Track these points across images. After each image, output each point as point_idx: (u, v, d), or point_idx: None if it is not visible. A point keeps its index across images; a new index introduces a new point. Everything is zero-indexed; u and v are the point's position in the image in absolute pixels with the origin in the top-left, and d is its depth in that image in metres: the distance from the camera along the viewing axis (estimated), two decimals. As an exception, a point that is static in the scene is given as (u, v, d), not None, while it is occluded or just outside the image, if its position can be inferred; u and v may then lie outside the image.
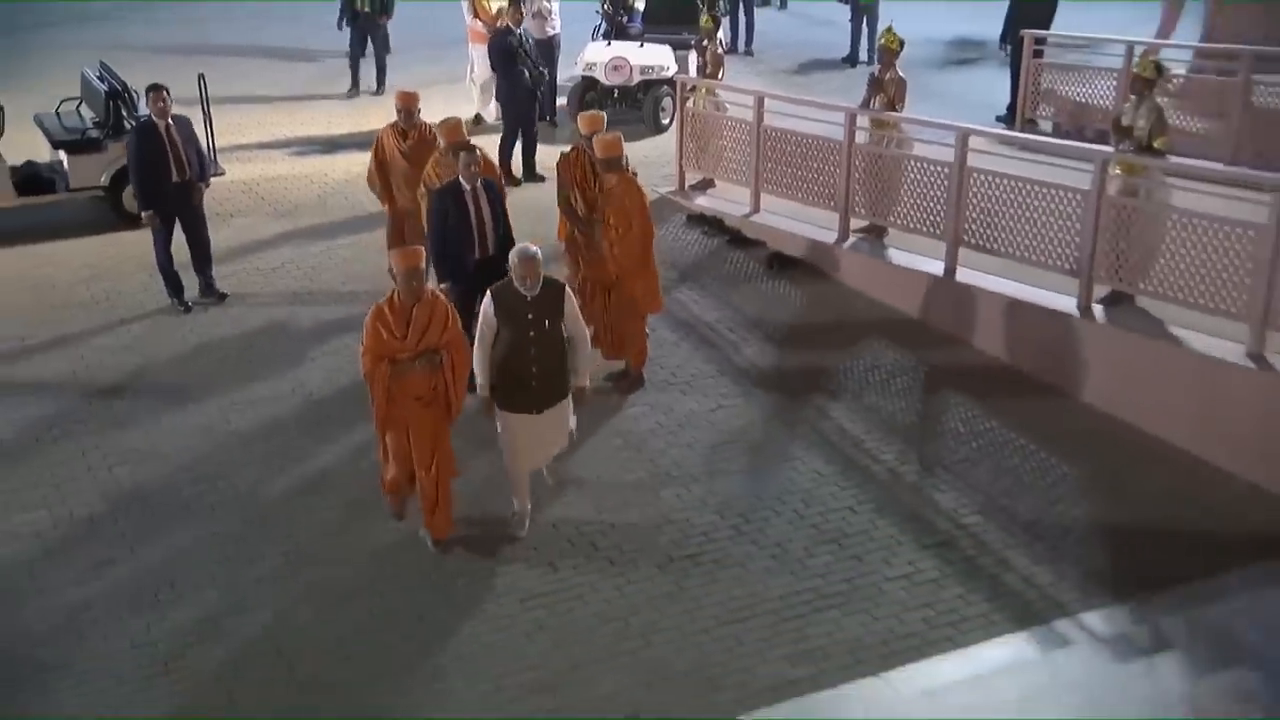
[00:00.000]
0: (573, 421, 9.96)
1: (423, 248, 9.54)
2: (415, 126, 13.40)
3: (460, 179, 11.19)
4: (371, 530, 10.39)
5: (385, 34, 22.33)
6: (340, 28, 21.39)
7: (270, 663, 9.17)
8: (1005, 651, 8.86)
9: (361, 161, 17.57)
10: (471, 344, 9.43)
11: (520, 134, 18.44)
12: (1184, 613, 9.28)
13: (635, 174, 12.39)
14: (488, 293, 9.31)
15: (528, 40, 18.76)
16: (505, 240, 11.16)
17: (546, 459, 10.02)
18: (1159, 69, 13.66)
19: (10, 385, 12.91)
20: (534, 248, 9.18)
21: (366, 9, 20.97)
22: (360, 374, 9.58)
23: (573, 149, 12.70)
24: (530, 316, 9.06)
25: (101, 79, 16.82)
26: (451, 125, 12.14)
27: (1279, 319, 11.05)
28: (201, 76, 15.77)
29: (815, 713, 8.37)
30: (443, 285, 11.13)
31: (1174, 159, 13.13)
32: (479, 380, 9.50)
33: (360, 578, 9.94)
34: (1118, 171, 12.43)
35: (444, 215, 11.17)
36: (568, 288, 9.69)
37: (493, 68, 18.94)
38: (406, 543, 10.24)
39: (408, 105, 13.45)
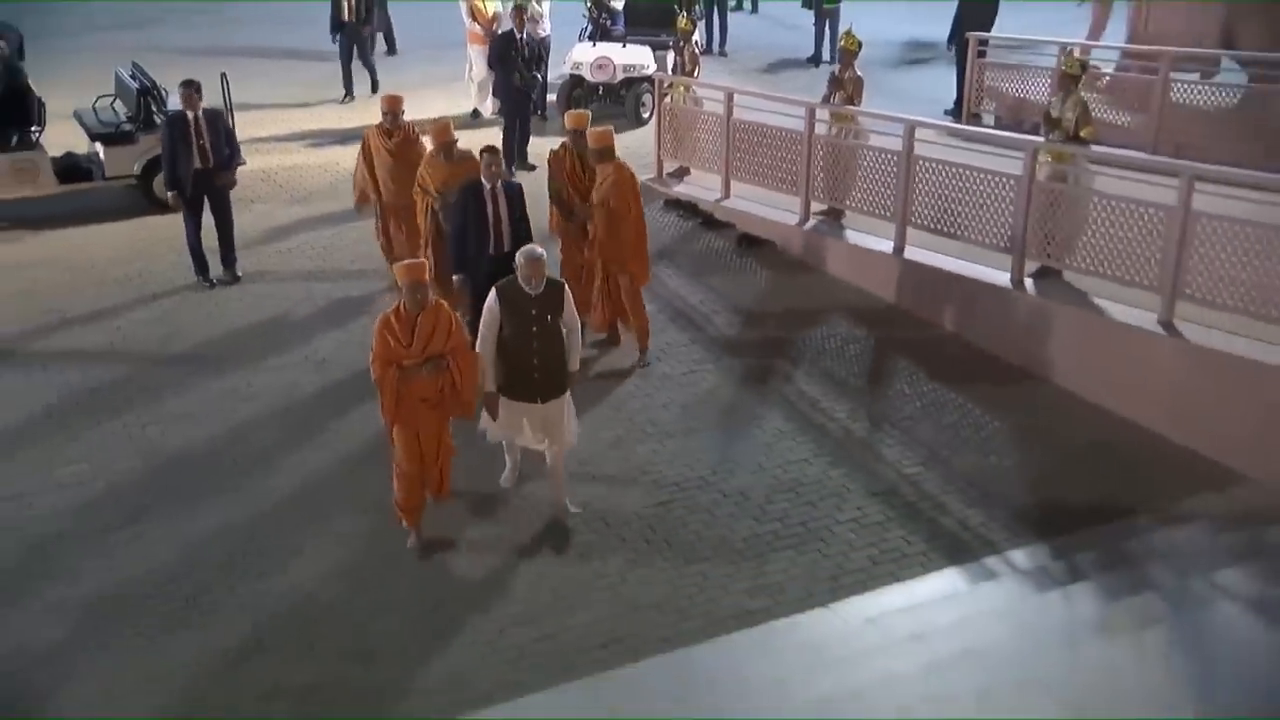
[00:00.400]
0: (574, 423, 9.77)
1: (425, 261, 9.34)
2: (399, 127, 13.30)
3: (482, 178, 11.00)
4: (375, 483, 10.33)
5: (368, 41, 22.25)
6: (333, 39, 21.34)
7: (286, 593, 9.30)
8: (941, 584, 9.06)
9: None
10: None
11: (516, 126, 18.44)
12: (1098, 549, 9.50)
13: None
14: (493, 289, 9.20)
15: (530, 44, 18.69)
16: (524, 240, 10.83)
17: (539, 445, 9.68)
18: (1083, 66, 13.73)
19: (53, 355, 12.96)
20: (540, 250, 9.08)
21: (352, 19, 20.92)
22: (369, 357, 9.33)
23: (561, 146, 12.66)
24: (534, 312, 8.96)
25: (134, 78, 16.80)
26: (441, 126, 12.06)
27: (1186, 290, 11.18)
28: (224, 75, 15.86)
29: (772, 639, 8.46)
30: (456, 277, 11.16)
31: (1098, 148, 13.22)
32: (484, 377, 9.39)
33: (368, 524, 10.01)
34: (1047, 159, 12.50)
35: (464, 211, 11.03)
36: (567, 286, 9.54)
37: (491, 67, 18.93)
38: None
39: (392, 108, 13.36)
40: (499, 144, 15.12)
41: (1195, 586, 9.07)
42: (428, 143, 12.60)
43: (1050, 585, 9.06)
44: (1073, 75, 13.27)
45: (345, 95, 21.54)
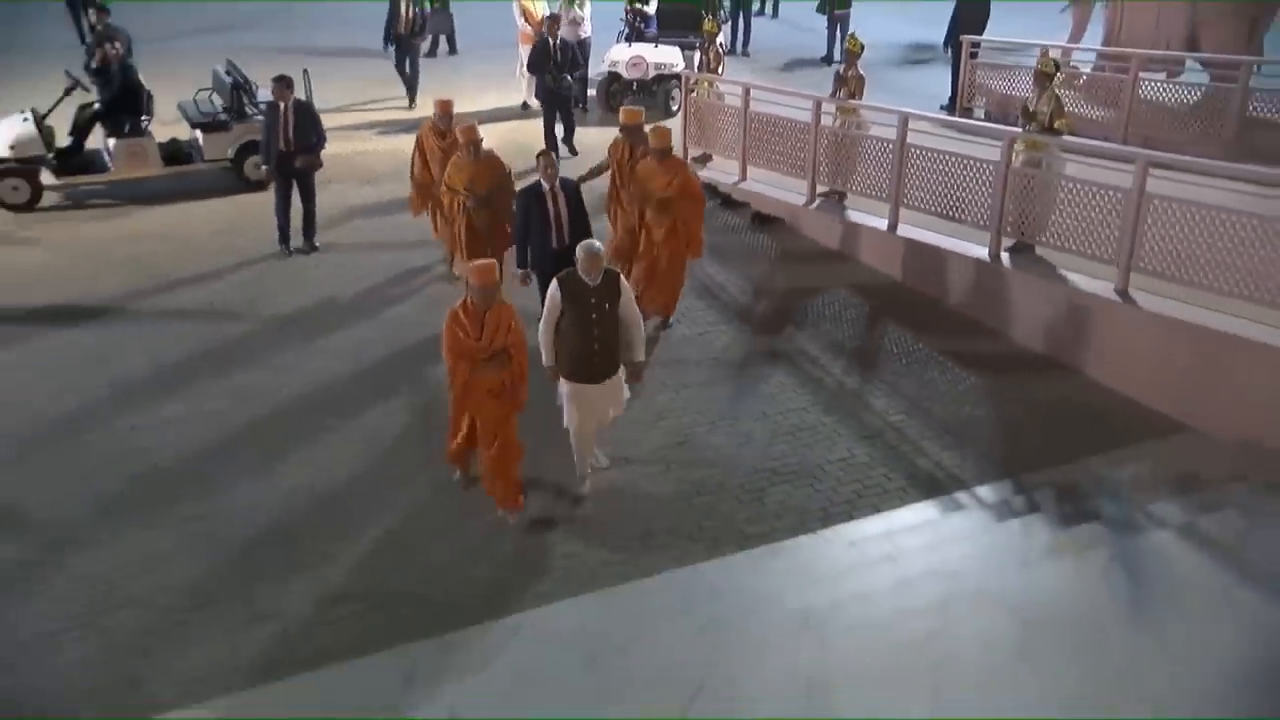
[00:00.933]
0: (626, 391, 9.55)
1: (496, 263, 8.98)
2: (451, 128, 12.95)
3: (540, 180, 10.82)
4: (436, 423, 10.37)
5: (418, 51, 21.87)
6: (385, 49, 21.06)
7: (356, 518, 9.47)
8: (916, 515, 9.30)
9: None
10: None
11: (559, 119, 18.38)
12: (1053, 486, 9.67)
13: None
14: (554, 280, 8.99)
15: (565, 48, 18.56)
16: (584, 233, 10.71)
17: (604, 421, 9.53)
18: (1057, 66, 13.65)
19: (159, 313, 13.16)
20: (598, 244, 8.94)
21: (406, 31, 20.64)
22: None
23: (616, 138, 12.75)
24: (593, 301, 8.74)
25: (228, 74, 16.93)
26: (467, 128, 11.85)
27: (1141, 263, 11.25)
28: (305, 71, 15.97)
29: (768, 559, 8.69)
30: (520, 271, 11.05)
31: (1069, 138, 13.10)
32: (544, 354, 9.22)
33: (427, 458, 10.09)
34: (1023, 148, 12.53)
35: (526, 212, 10.87)
36: (623, 277, 9.29)
37: (530, 69, 18.86)
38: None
39: (445, 110, 13.12)
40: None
41: (1134, 517, 9.29)
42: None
43: (1009, 516, 9.31)
44: (1047, 74, 13.18)
45: (409, 104, 21.16)
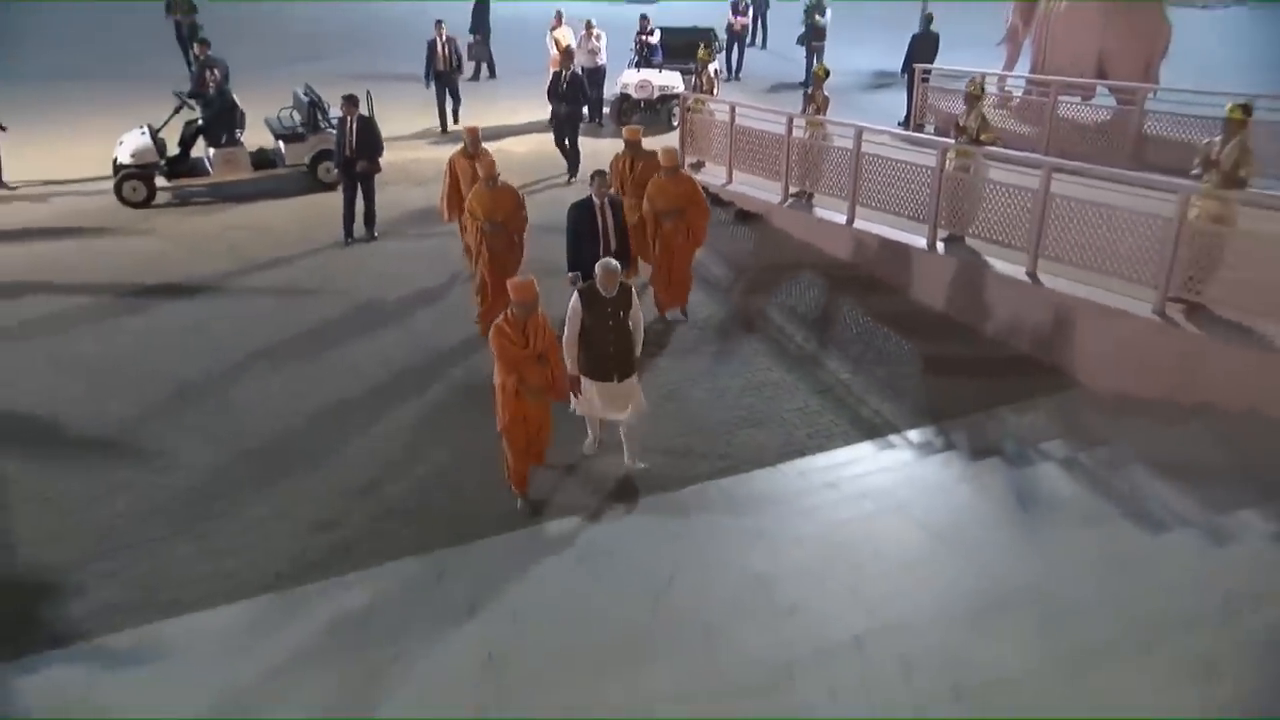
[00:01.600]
0: (643, 400, 9.22)
1: (534, 281, 8.45)
2: (480, 153, 12.32)
3: (592, 195, 10.56)
4: (467, 375, 10.83)
5: (457, 82, 21.17)
6: (427, 85, 20.60)
7: (405, 451, 9.74)
8: (855, 452, 9.57)
9: (494, 149, 17.37)
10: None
11: (566, 139, 18.04)
12: (968, 429, 9.96)
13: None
14: (576, 292, 8.76)
15: (576, 80, 18.34)
16: (624, 242, 10.70)
17: (617, 416, 9.14)
18: (982, 89, 13.63)
19: (248, 289, 13.42)
20: (615, 263, 8.68)
21: (445, 68, 20.24)
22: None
23: (618, 153, 12.56)
24: (609, 310, 8.55)
25: (306, 95, 17.03)
26: (488, 163, 11.41)
27: (1046, 250, 11.40)
28: (369, 92, 15.74)
29: (732, 487, 8.99)
30: (571, 274, 10.65)
31: (993, 148, 13.12)
32: (567, 360, 8.92)
33: (458, 401, 10.51)
34: (954, 156, 12.66)
35: (577, 222, 10.60)
36: (634, 289, 8.97)
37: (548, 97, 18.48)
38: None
39: (473, 136, 12.44)
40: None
41: (1028, 452, 9.55)
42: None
43: (931, 453, 9.61)
44: (975, 95, 13.26)
45: (441, 131, 20.57)
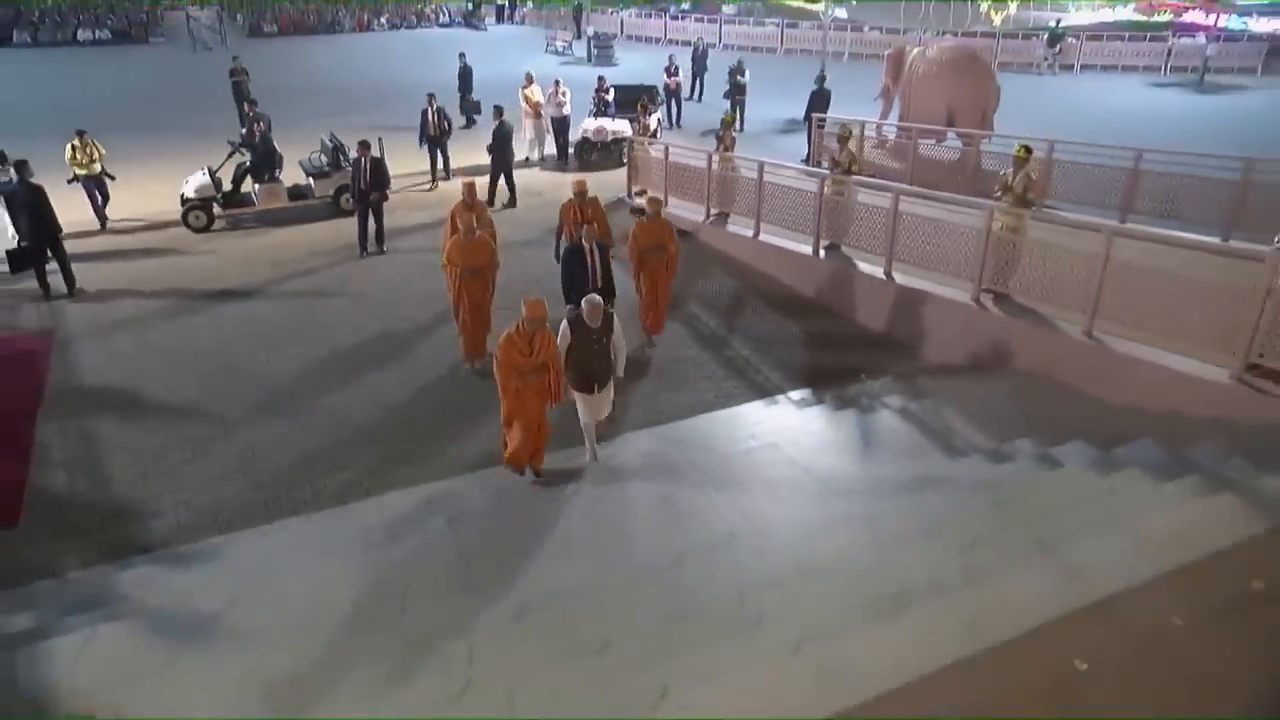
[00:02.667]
0: (608, 405, 8.88)
1: (545, 300, 7.98)
2: (476, 204, 11.64)
3: (582, 241, 10.18)
4: (451, 352, 10.91)
5: (446, 145, 19.38)
6: (420, 146, 19.15)
7: (401, 415, 9.92)
8: (750, 408, 9.89)
9: (456, 189, 17.47)
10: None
11: (502, 177, 17.75)
12: (836, 392, 10.22)
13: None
14: (565, 321, 8.47)
15: (503, 135, 17.73)
16: (609, 279, 10.24)
17: (600, 416, 8.83)
18: (849, 131, 13.88)
19: (285, 292, 13.49)
20: (599, 298, 8.35)
21: (434, 133, 19.02)
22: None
23: (568, 200, 11.75)
24: (593, 337, 8.29)
25: (330, 141, 17.06)
26: (467, 216, 10.61)
27: (899, 255, 11.59)
28: (380, 138, 15.80)
29: (656, 435, 9.29)
30: (569, 307, 9.59)
31: (859, 177, 13.29)
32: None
33: (448, 368, 10.75)
34: (830, 184, 12.82)
35: (570, 265, 10.18)
36: (615, 317, 8.61)
37: (489, 151, 17.81)
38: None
39: (470, 189, 11.59)
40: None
41: (875, 404, 9.84)
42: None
43: (805, 407, 9.95)
44: (844, 137, 13.63)
45: (431, 183, 19.18)
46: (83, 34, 41.00)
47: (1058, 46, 32.38)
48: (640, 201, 16.50)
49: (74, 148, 15.85)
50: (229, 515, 8.16)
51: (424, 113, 19.00)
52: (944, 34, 36.32)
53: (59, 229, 13.16)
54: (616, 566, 7.00)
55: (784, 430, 9.30)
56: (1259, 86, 27.97)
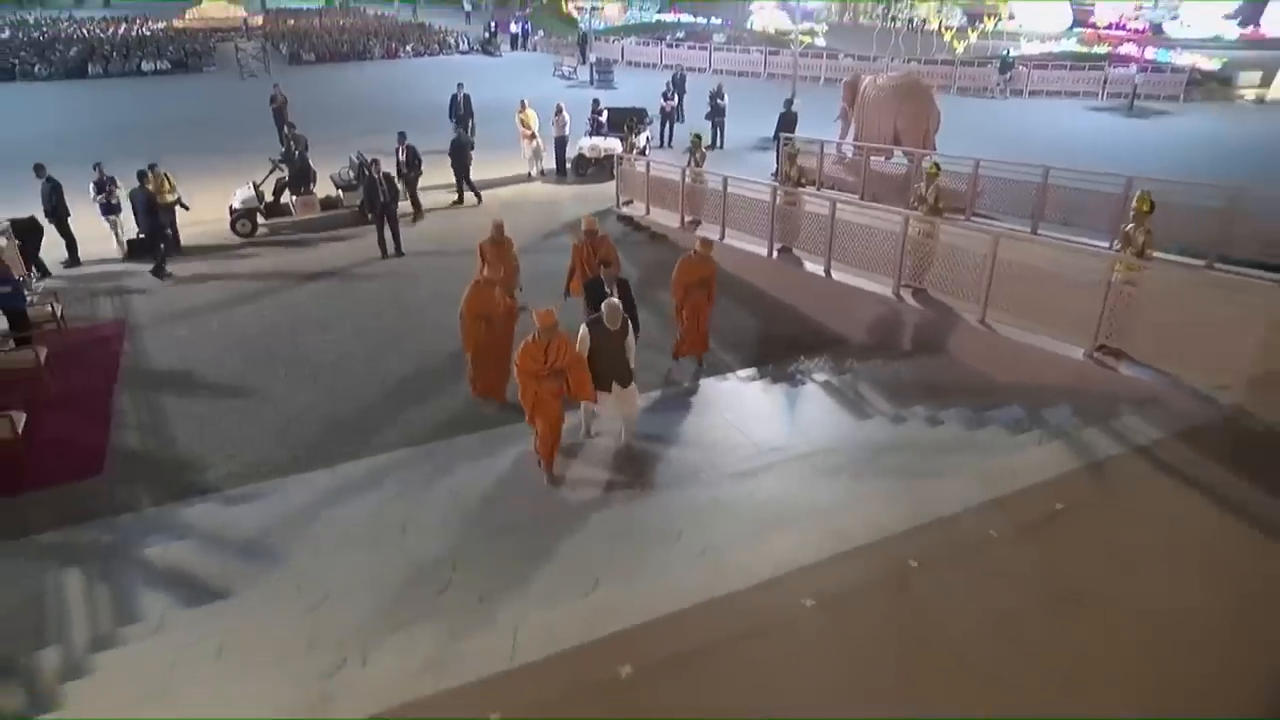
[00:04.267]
0: (640, 400, 8.89)
1: (554, 310, 7.81)
2: (503, 238, 11.09)
3: (602, 277, 9.82)
4: (454, 340, 10.41)
5: (394, 213, 16.21)
6: (367, 217, 16.48)
7: (410, 390, 10.35)
8: (706, 384, 10.23)
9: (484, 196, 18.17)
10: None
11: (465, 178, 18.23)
12: (776, 369, 10.73)
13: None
14: (584, 324, 8.32)
15: (458, 145, 18.44)
16: (632, 314, 9.21)
17: (619, 415, 8.65)
18: (796, 149, 14.36)
19: (318, 286, 13.94)
20: (618, 302, 8.23)
21: (384, 199, 15.66)
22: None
23: (578, 243, 11.20)
24: (612, 338, 8.16)
25: (356, 159, 17.35)
26: (491, 274, 9.90)
27: (836, 257, 12.09)
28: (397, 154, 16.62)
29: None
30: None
31: (803, 188, 13.82)
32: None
33: (447, 355, 10.83)
34: (782, 194, 13.28)
35: (594, 295, 9.62)
36: (630, 322, 8.43)
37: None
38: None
39: (498, 225, 11.06)
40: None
41: (805, 379, 10.26)
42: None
43: (750, 381, 10.42)
44: (791, 154, 14.27)
45: (383, 255, 15.67)
46: (146, 65, 42.01)
47: (1009, 74, 32.92)
48: (627, 210, 17.55)
49: (143, 175, 15.41)
50: (267, 467, 8.86)
51: (370, 182, 15.87)
52: (910, 61, 36.89)
53: (166, 227, 15.23)
54: (567, 502, 7.66)
55: (729, 398, 9.85)
56: (1179, 112, 28.60)
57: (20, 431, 9.11)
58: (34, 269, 14.19)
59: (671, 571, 6.29)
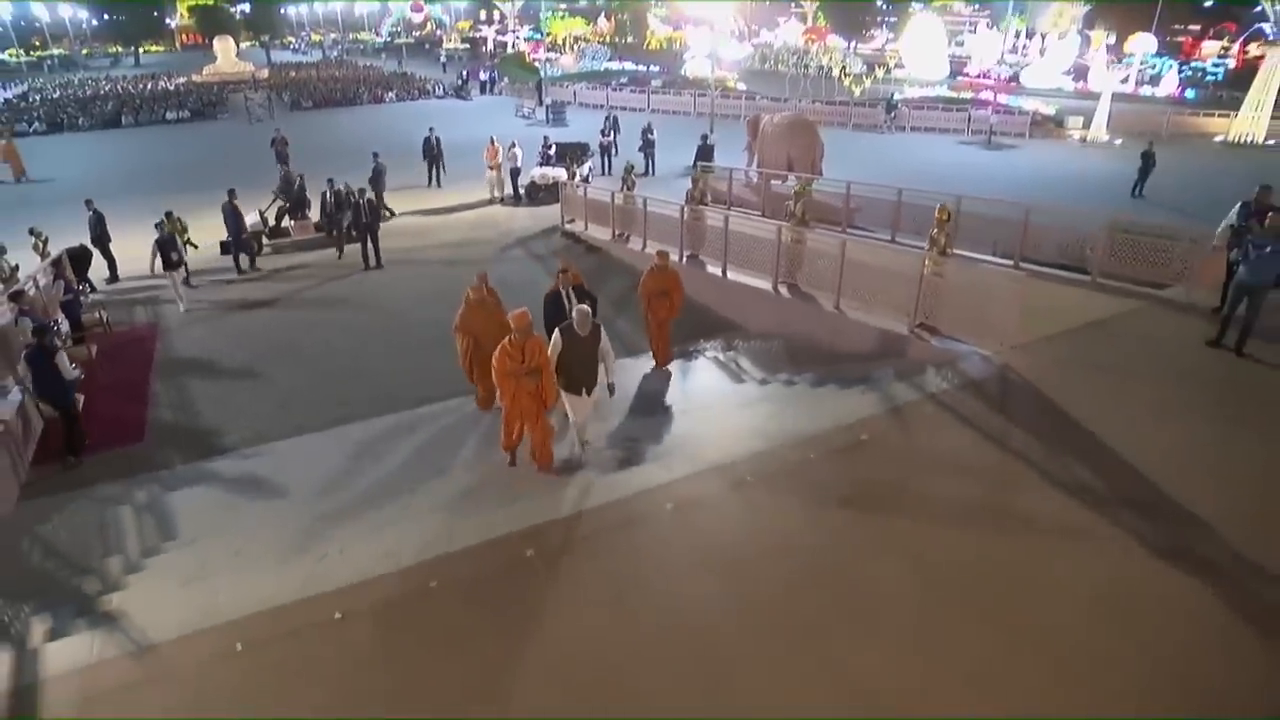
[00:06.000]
0: (595, 401, 8.19)
1: (528, 310, 7.39)
2: (489, 290, 9.01)
3: (560, 287, 9.20)
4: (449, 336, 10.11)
5: (341, 226, 17.19)
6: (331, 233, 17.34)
7: (399, 373, 10.83)
8: (625, 364, 10.25)
9: (446, 219, 18.55)
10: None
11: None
12: (681, 350, 10.97)
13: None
14: (557, 330, 7.81)
15: (377, 170, 18.80)
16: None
17: (586, 416, 8.14)
18: (702, 173, 15.20)
19: (310, 295, 14.28)
20: (588, 308, 7.74)
21: (331, 212, 17.31)
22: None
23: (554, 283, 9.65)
24: (583, 343, 7.69)
25: (344, 188, 17.15)
26: (479, 300, 8.95)
27: (730, 259, 12.57)
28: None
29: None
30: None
31: (706, 206, 14.45)
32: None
33: (437, 341, 10.83)
34: (688, 211, 13.84)
35: (550, 308, 9.19)
36: (602, 328, 7.90)
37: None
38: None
39: (483, 278, 9.03)
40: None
41: (704, 356, 11.11)
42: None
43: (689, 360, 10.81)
44: (696, 179, 15.10)
45: (365, 267, 16.14)
46: (169, 114, 42.36)
47: (893, 113, 34.42)
48: (570, 227, 18.09)
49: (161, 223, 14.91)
50: (274, 434, 9.44)
51: (322, 195, 16.84)
52: (815, 102, 38.30)
53: (245, 232, 16.04)
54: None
55: (637, 376, 10.30)
56: (1024, 146, 30.35)
57: (80, 410, 9.85)
58: (85, 285, 14.89)
59: (575, 484, 7.28)
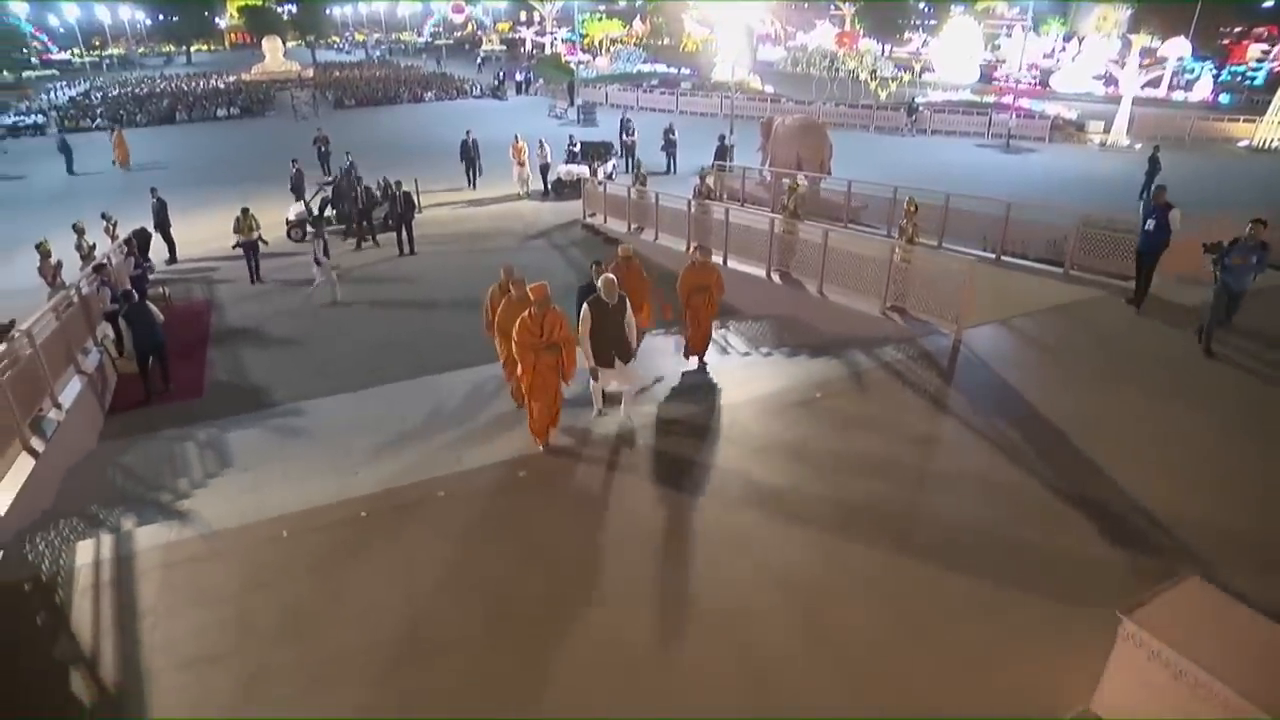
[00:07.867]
0: (638, 376, 8.47)
1: (547, 284, 7.37)
2: (514, 283, 8.21)
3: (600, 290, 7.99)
4: (471, 317, 11.67)
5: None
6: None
7: (428, 350, 11.70)
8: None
9: (475, 211, 19.70)
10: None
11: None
12: (658, 332, 11.47)
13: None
14: (585, 302, 7.79)
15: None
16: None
17: (620, 388, 8.17)
18: (707, 171, 16.20)
19: (350, 275, 15.23)
20: (613, 276, 7.67)
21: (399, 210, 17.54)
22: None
23: (620, 263, 9.79)
24: (611, 313, 7.64)
25: (382, 181, 18.57)
26: (522, 298, 7.91)
27: (730, 249, 13.42)
28: (415, 180, 17.85)
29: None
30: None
31: (711, 201, 15.25)
32: (585, 354, 7.74)
33: (466, 321, 12.31)
34: (696, 205, 14.80)
35: (588, 292, 8.53)
36: (628, 299, 7.81)
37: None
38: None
39: (509, 270, 8.62)
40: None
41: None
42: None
43: (658, 336, 11.30)
44: (703, 176, 16.12)
45: (399, 253, 17.32)
46: (220, 111, 44.58)
47: (914, 116, 35.04)
48: (591, 221, 19.25)
49: (239, 219, 15.73)
50: (312, 391, 10.55)
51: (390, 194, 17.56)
52: (839, 105, 39.00)
53: (372, 208, 17.37)
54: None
55: (647, 345, 10.52)
56: (1042, 150, 30.72)
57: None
58: (147, 263, 16.44)
59: (561, 428, 8.48)
